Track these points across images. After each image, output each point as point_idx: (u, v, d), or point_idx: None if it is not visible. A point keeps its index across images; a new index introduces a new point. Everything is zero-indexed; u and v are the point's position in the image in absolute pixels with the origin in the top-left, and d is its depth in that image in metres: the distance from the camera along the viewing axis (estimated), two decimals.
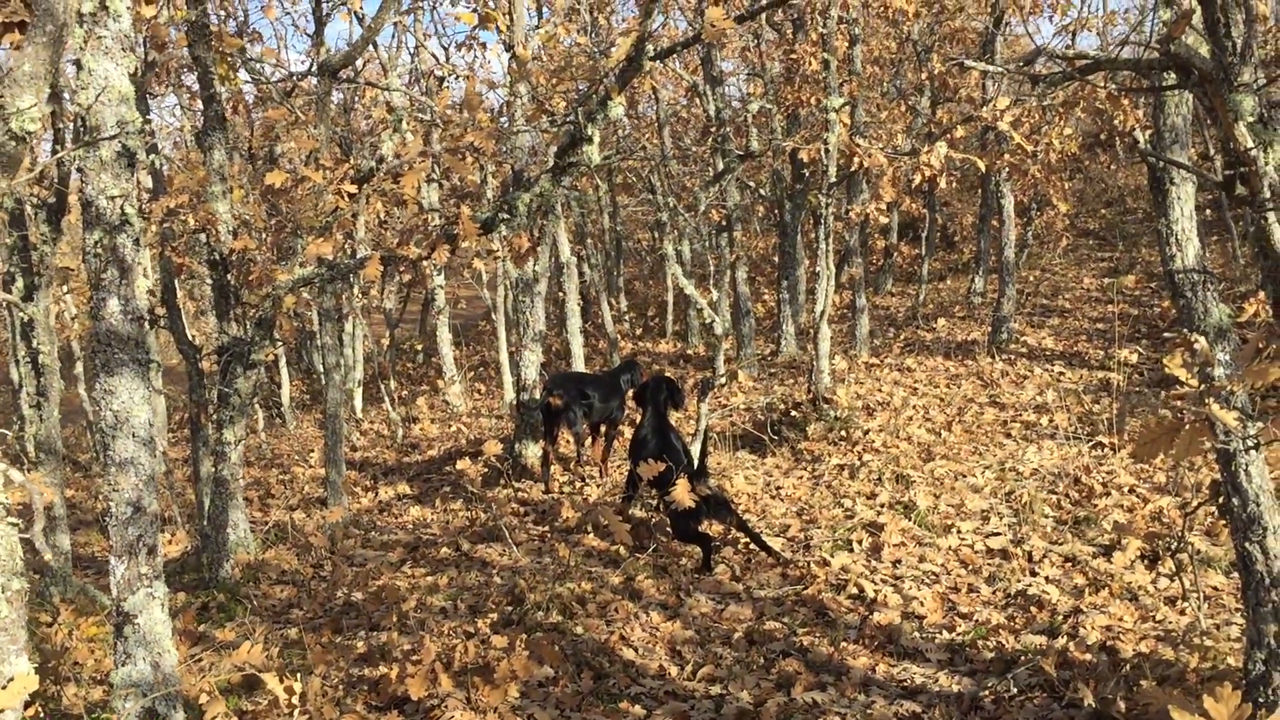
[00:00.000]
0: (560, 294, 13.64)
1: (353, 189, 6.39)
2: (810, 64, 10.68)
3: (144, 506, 4.93)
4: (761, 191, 15.06)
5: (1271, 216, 2.76)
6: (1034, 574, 6.03)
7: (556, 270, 12.03)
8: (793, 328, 13.40)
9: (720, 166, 12.09)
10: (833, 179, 8.88)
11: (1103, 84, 5.91)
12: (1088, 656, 5.08)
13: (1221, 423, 2.93)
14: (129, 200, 4.71)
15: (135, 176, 4.77)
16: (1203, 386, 3.01)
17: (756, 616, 5.95)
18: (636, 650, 5.65)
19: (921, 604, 5.81)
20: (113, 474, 4.80)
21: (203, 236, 8.00)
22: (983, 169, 7.31)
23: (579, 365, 12.25)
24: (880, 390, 10.50)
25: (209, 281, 7.86)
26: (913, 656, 5.35)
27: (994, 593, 5.87)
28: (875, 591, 5.98)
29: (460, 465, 9.39)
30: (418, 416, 14.26)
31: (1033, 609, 5.61)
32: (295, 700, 4.16)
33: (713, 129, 11.98)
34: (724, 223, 12.63)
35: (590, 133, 5.41)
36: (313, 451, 13.30)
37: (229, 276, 7.94)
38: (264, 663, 5.84)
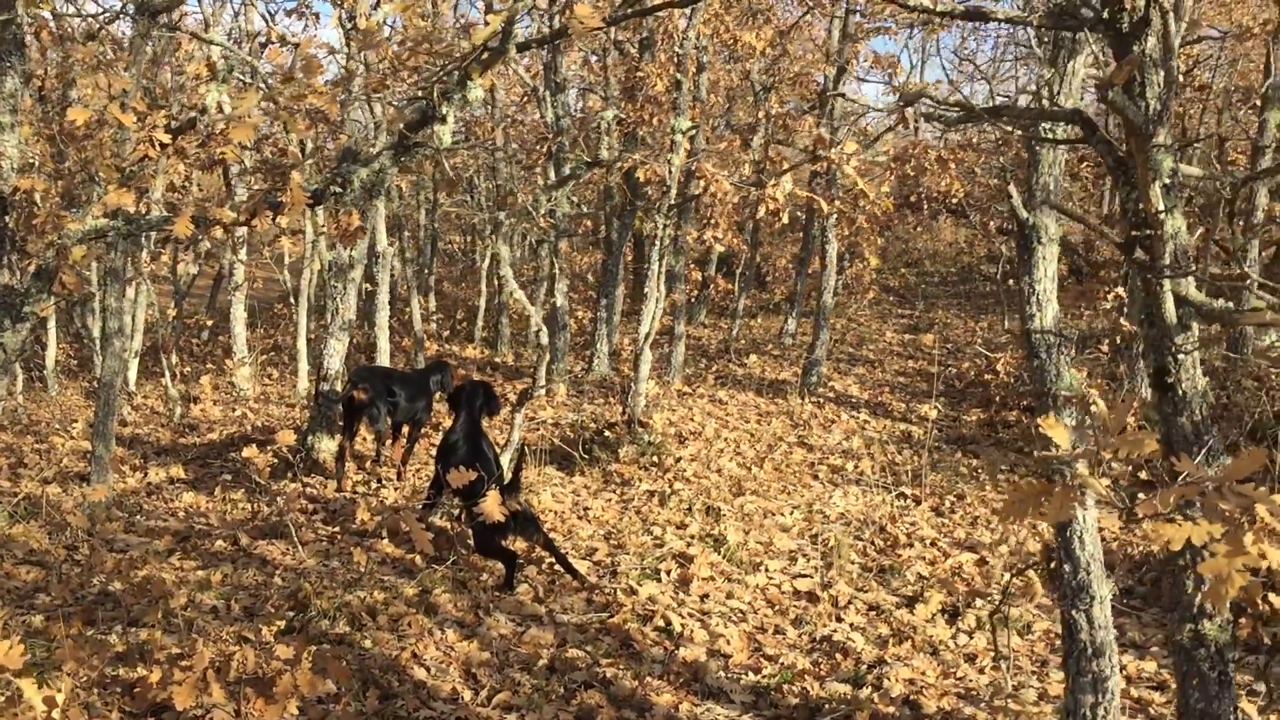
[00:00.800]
0: (369, 286, 13.03)
1: (166, 139, 5.78)
2: (656, 84, 10.57)
3: None
4: (584, 207, 14.85)
5: (1167, 285, 2.70)
6: (839, 620, 5.98)
7: (370, 259, 11.46)
8: (607, 347, 13.22)
9: (553, 176, 11.83)
10: (672, 201, 8.75)
11: (988, 132, 5.97)
12: (891, 710, 5.03)
13: (1094, 490, 2.85)
14: None
15: None
16: (1077, 451, 2.93)
17: (559, 643, 5.66)
18: (429, 670, 5.26)
19: (728, 642, 5.65)
20: None
21: None
22: (825, 209, 7.34)
23: (384, 361, 11.68)
24: (693, 419, 10.42)
25: None
26: (717, 697, 5.18)
27: (800, 636, 5.78)
28: (682, 626, 5.80)
29: (246, 453, 8.68)
30: (199, 396, 13.27)
31: (838, 655, 5.54)
32: (54, 714, 3.59)
33: (549, 136, 11.72)
34: (552, 233, 12.35)
35: (444, 112, 5.03)
36: (75, 422, 12.16)
37: (7, 219, 7.07)
38: (19, 663, 5.14)
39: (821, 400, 11.31)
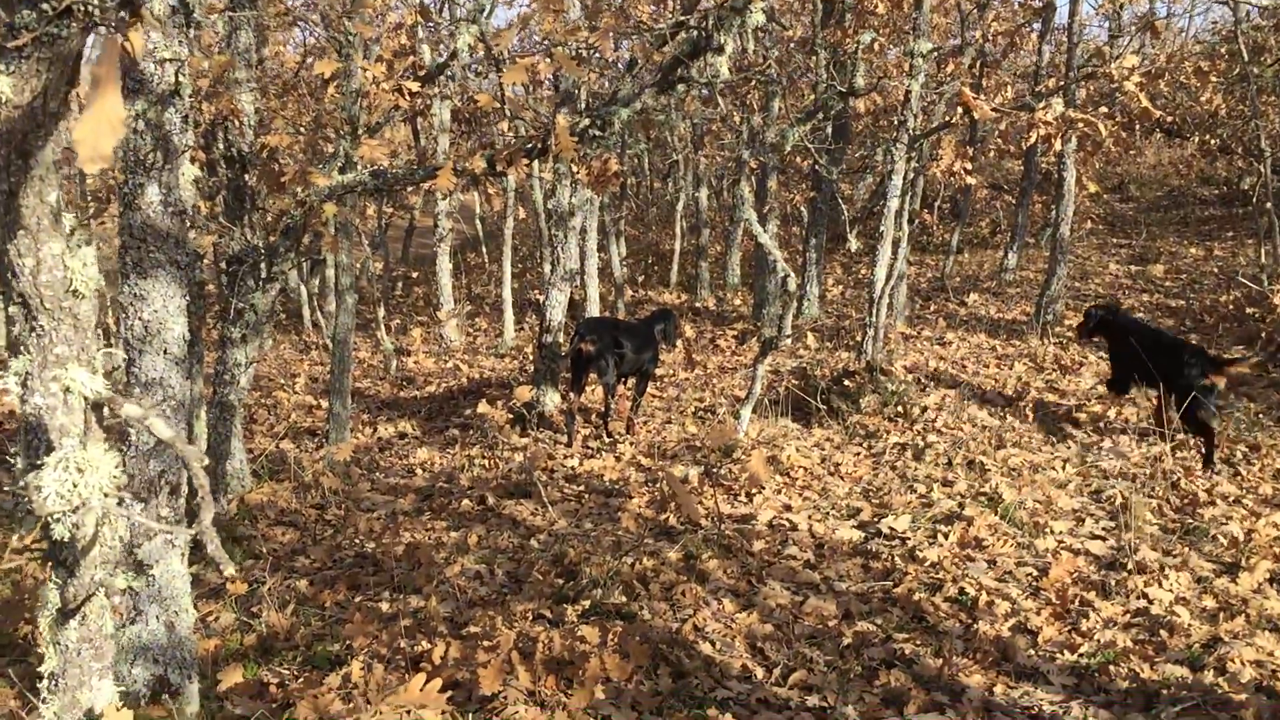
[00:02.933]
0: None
1: (415, 86, 5.53)
2: (877, 5, 9.84)
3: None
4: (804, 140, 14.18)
5: None
6: (1155, 590, 5.37)
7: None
8: (817, 288, 12.67)
9: (759, 110, 11.27)
10: (913, 131, 8.10)
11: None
12: (1242, 696, 4.44)
13: None
14: (182, 68, 3.83)
15: (190, 39, 3.90)
16: None
17: (842, 614, 5.25)
18: (714, 644, 4.94)
19: (1035, 614, 5.14)
20: (136, 395, 3.98)
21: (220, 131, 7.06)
22: (1104, 133, 6.62)
23: (594, 309, 11.45)
24: (928, 365, 9.81)
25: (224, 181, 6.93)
26: (1033, 678, 4.69)
27: (1114, 608, 5.21)
28: (978, 595, 5.31)
29: (482, 408, 8.62)
30: (409, 349, 13.38)
31: (1163, 632, 4.95)
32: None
33: (810, 51, 11.03)
34: (759, 171, 11.82)
35: (721, 40, 4.59)
36: (297, 377, 12.40)
37: (247, 177, 7.03)
38: (288, 624, 5.08)
39: (1062, 341, 10.51)
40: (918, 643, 4.94)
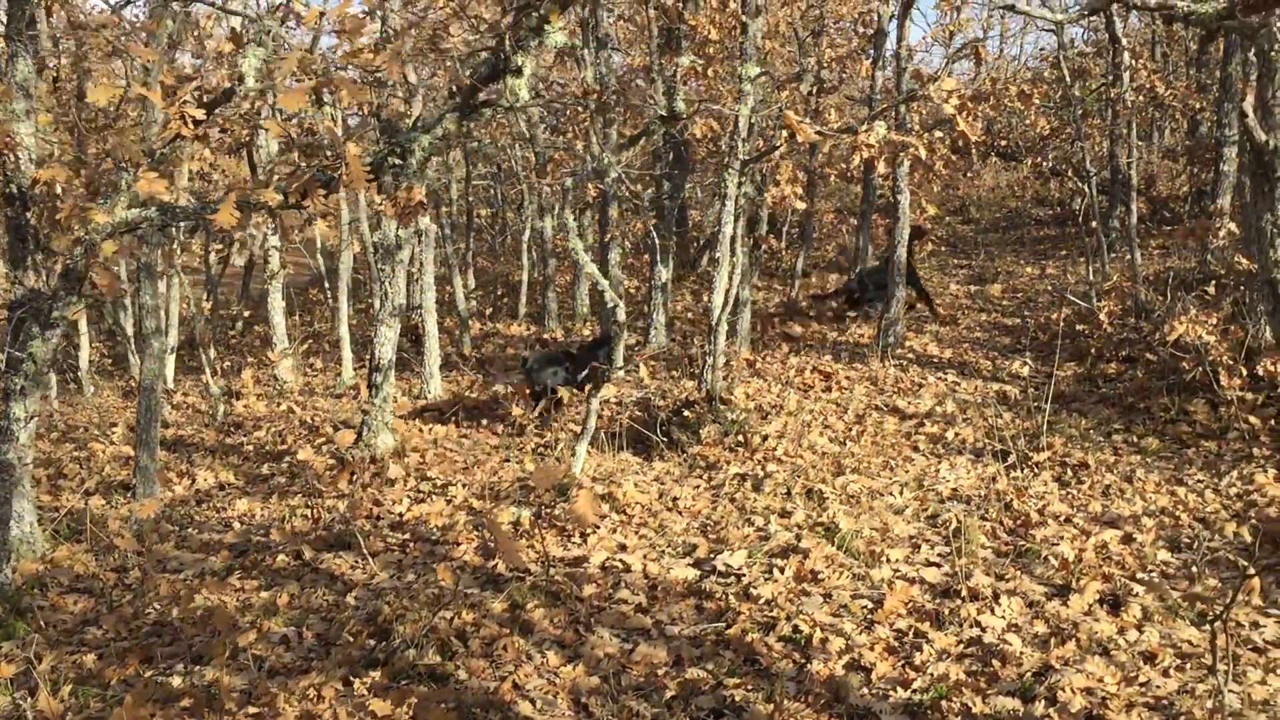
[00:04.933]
0: (409, 269, 12.35)
1: (199, 114, 5.10)
2: (710, 31, 9.78)
3: None
4: (631, 170, 14.09)
5: None
6: (987, 616, 5.27)
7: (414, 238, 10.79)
8: (663, 316, 12.51)
9: (595, 140, 11.08)
10: (742, 156, 8.00)
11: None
12: None
13: None
14: None
15: None
16: None
17: (673, 660, 5.00)
18: (535, 703, 4.62)
19: (868, 650, 4.98)
20: None
21: None
22: (923, 154, 6.59)
23: (434, 345, 11.05)
24: (770, 391, 9.72)
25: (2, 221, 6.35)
26: (865, 718, 4.51)
27: (946, 638, 5.08)
28: (811, 632, 5.12)
29: (303, 455, 8.13)
30: (241, 391, 12.70)
31: (995, 662, 4.85)
32: None
33: (593, 91, 10.95)
34: (599, 199, 11.62)
35: (520, 63, 4.33)
36: (115, 426, 11.61)
37: (28, 214, 6.45)
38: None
39: (903, 362, 10.57)
40: (749, 688, 4.72)
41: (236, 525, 7.52)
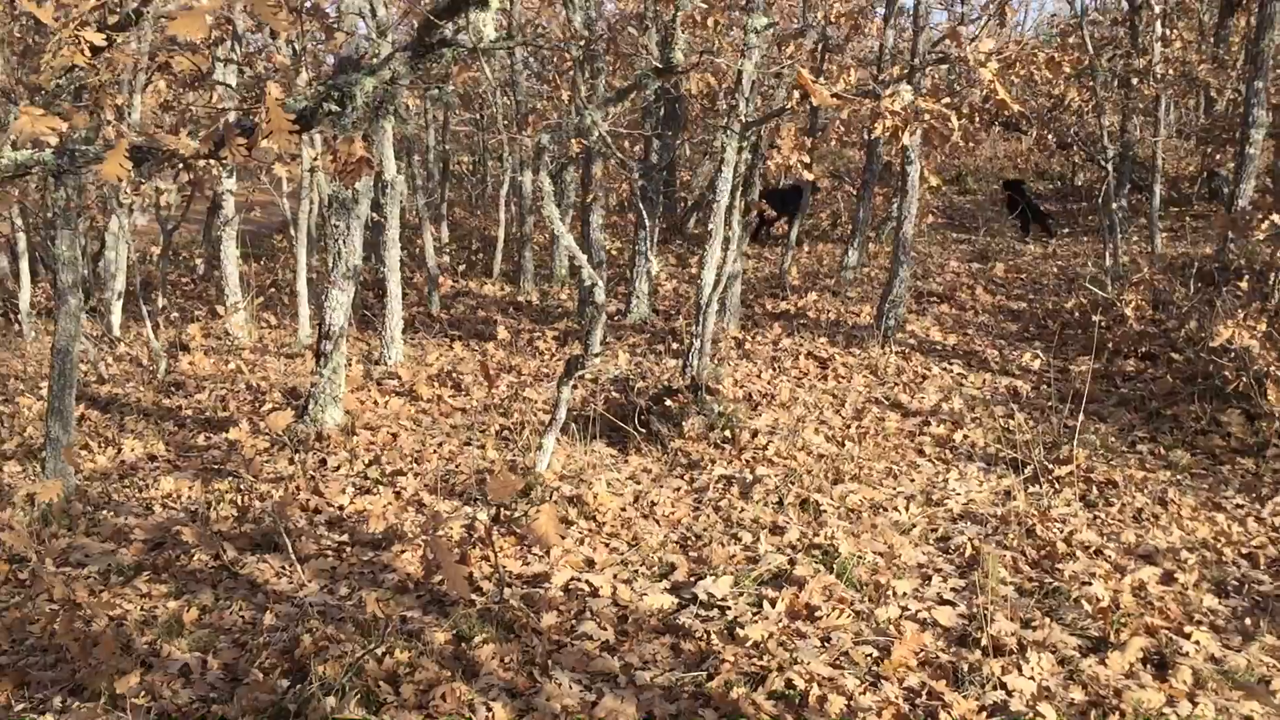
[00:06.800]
0: (375, 216, 11.40)
1: (99, 39, 4.19)
2: None
3: None
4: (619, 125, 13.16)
5: None
6: (1013, 675, 4.49)
7: (376, 189, 9.86)
8: (646, 285, 11.66)
9: (584, 89, 10.14)
10: (745, 117, 7.11)
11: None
12: None
13: None
14: None
15: None
16: None
17: (644, 715, 4.21)
18: None
19: (874, 716, 4.20)
20: None
21: None
22: (955, 124, 5.78)
23: (396, 306, 10.16)
24: (761, 377, 8.89)
25: None
26: None
27: (966, 703, 4.30)
28: (808, 688, 4.33)
29: (233, 435, 7.28)
30: (189, 345, 11.76)
31: None
32: None
33: (580, 37, 10.00)
34: (582, 155, 10.70)
35: None
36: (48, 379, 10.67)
37: None
38: None
39: (905, 350, 9.75)
40: None
41: (158, 509, 6.67)
